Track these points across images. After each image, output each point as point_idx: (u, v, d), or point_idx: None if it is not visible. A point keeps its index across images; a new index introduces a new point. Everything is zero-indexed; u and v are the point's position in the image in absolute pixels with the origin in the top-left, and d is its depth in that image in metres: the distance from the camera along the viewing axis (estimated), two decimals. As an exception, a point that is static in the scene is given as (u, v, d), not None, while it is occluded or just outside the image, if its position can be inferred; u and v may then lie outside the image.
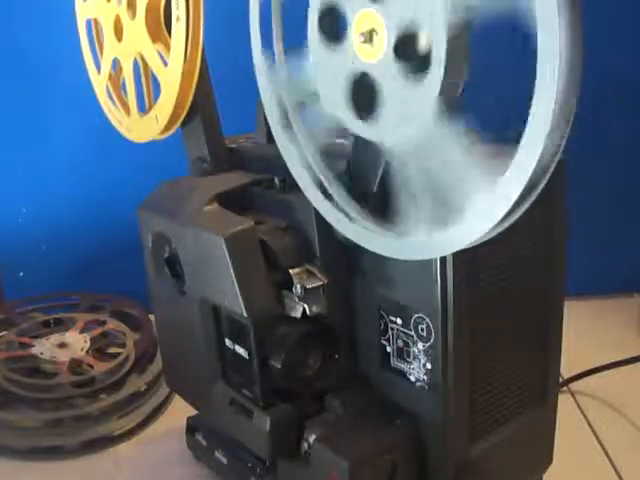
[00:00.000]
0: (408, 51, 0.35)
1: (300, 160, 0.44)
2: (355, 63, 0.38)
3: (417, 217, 0.38)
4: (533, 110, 0.30)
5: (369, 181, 0.44)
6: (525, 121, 0.30)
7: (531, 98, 0.30)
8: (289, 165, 0.45)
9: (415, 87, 0.35)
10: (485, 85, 0.35)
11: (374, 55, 0.37)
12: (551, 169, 0.31)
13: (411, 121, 0.35)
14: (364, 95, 0.38)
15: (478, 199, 0.33)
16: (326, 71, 0.40)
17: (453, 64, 0.33)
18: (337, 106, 0.40)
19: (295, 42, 0.42)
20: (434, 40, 0.33)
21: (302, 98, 0.43)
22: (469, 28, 0.33)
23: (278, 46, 0.44)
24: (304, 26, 0.40)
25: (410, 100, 0.35)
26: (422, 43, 0.34)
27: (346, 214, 0.42)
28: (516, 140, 0.31)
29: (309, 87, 0.42)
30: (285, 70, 0.44)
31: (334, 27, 0.39)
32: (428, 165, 0.36)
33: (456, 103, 0.35)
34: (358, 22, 0.37)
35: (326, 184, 0.43)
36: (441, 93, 0.34)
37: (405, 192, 0.38)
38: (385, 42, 0.36)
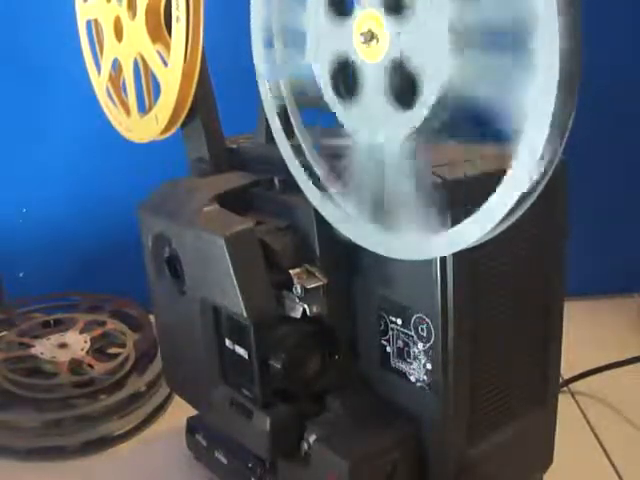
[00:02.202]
0: (398, 79, 0.35)
1: (299, 160, 0.44)
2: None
3: (407, 217, 0.38)
4: (533, 110, 0.30)
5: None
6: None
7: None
8: (289, 165, 0.45)
9: (398, 111, 0.35)
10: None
11: (382, 44, 0.36)
12: (551, 170, 0.31)
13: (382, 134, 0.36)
14: (348, 78, 0.38)
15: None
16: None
17: (438, 109, 0.34)
18: (387, 123, 0.39)
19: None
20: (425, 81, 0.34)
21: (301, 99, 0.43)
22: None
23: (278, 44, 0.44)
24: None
25: (387, 119, 0.36)
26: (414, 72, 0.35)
27: (346, 214, 0.42)
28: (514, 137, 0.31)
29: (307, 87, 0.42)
30: (285, 69, 0.44)
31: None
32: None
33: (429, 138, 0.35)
34: (360, 20, 0.37)
35: (326, 184, 0.43)
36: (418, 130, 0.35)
37: (389, 192, 0.38)
38: (382, 54, 0.36)
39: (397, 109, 0.36)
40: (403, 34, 0.35)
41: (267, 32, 0.44)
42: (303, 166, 0.44)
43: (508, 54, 0.30)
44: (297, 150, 0.44)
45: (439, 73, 0.33)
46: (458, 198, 0.40)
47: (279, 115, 0.45)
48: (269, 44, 0.44)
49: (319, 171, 0.43)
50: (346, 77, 0.39)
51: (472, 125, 0.35)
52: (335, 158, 0.43)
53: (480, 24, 0.32)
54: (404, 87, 0.35)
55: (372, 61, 0.36)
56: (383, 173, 0.39)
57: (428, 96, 0.34)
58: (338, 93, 0.39)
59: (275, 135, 0.45)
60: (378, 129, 0.37)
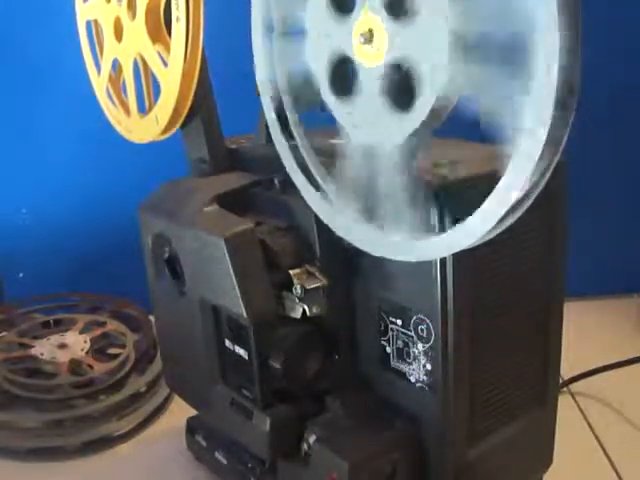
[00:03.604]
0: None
1: (298, 161, 0.44)
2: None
3: (404, 219, 0.38)
4: (532, 110, 0.30)
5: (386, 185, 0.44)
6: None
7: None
8: (287, 166, 0.45)
9: (394, 114, 0.35)
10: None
11: (381, 46, 0.36)
12: (550, 171, 0.31)
13: (379, 135, 0.36)
14: (346, 77, 0.38)
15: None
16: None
17: (438, 110, 0.34)
18: (382, 125, 0.39)
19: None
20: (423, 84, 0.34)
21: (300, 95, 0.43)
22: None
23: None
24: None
25: (383, 121, 0.36)
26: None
27: (342, 215, 0.42)
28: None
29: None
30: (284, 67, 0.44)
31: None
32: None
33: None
34: (356, 32, 0.37)
35: (323, 185, 0.43)
36: (414, 134, 0.35)
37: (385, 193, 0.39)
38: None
39: (394, 111, 0.36)
40: (403, 37, 0.35)
41: (267, 30, 0.44)
42: (300, 166, 0.44)
43: (507, 62, 0.30)
44: (294, 149, 0.44)
45: (438, 77, 0.33)
46: (456, 199, 0.40)
47: (277, 114, 0.45)
48: (269, 44, 0.44)
49: (315, 171, 0.43)
50: (344, 76, 0.39)
51: (470, 125, 0.35)
52: (332, 158, 0.44)
53: (480, 35, 0.32)
54: (402, 90, 0.35)
55: (370, 62, 0.36)
56: (379, 173, 0.39)
57: (426, 100, 0.34)
58: (335, 92, 0.39)
59: (272, 134, 0.45)
60: (374, 130, 0.37)
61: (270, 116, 0.45)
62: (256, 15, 0.44)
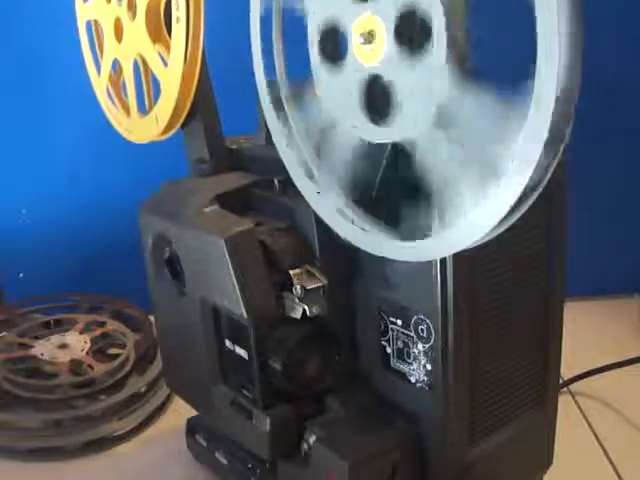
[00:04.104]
0: (408, 33, 0.35)
1: (298, 163, 0.44)
2: (361, 71, 0.37)
3: (404, 218, 0.38)
4: (533, 110, 0.30)
5: (370, 184, 0.44)
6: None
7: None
8: (287, 167, 0.45)
9: (423, 64, 0.34)
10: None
11: (377, 54, 0.36)
12: (551, 171, 0.31)
13: (429, 100, 0.35)
14: (377, 99, 0.38)
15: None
16: (335, 91, 0.40)
17: (454, 28, 0.33)
18: (351, 119, 0.39)
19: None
20: (432, 12, 0.33)
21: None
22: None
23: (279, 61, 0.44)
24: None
25: (422, 80, 0.35)
26: (419, 20, 0.34)
27: (345, 216, 0.42)
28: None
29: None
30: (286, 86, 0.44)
31: (335, 49, 0.39)
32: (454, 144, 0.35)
33: (468, 69, 0.34)
34: (357, 29, 0.37)
35: (324, 187, 0.43)
36: (448, 61, 0.33)
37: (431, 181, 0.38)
38: (385, 34, 0.35)
39: (422, 58, 0.35)
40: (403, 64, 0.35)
41: (267, 28, 0.44)
42: (299, 164, 0.44)
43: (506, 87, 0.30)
44: (293, 148, 0.44)
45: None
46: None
47: (276, 114, 0.45)
48: (268, 43, 0.44)
49: (315, 169, 0.43)
50: (374, 100, 0.38)
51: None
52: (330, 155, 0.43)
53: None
54: (415, 35, 0.35)
55: (382, 50, 0.36)
56: (374, 170, 0.39)
57: (438, 20, 0.33)
58: (374, 120, 0.39)
59: (272, 133, 0.45)
60: (423, 104, 0.36)
61: (272, 122, 0.45)
62: (255, 20, 0.44)
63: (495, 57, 0.34)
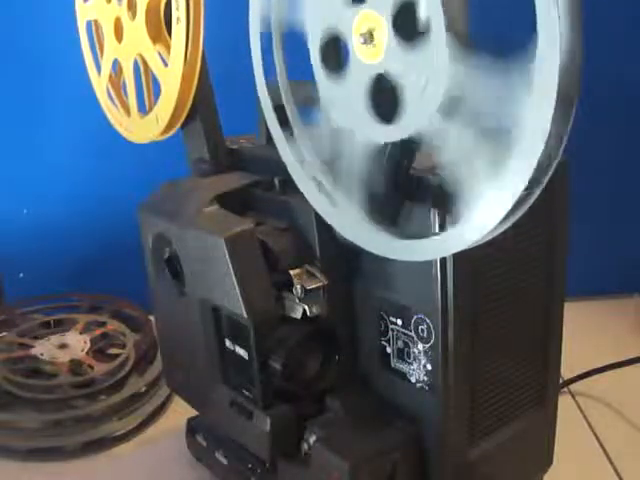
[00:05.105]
0: (407, 23, 0.35)
1: (299, 163, 0.44)
2: (365, 72, 0.37)
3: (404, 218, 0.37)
4: (533, 109, 0.30)
5: (373, 183, 0.44)
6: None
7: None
8: (289, 168, 0.45)
9: (425, 52, 0.34)
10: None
11: (379, 50, 0.36)
12: (551, 171, 0.31)
13: (435, 88, 0.34)
14: (383, 99, 0.37)
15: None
16: (341, 99, 0.39)
17: (452, 12, 0.33)
18: (360, 123, 0.39)
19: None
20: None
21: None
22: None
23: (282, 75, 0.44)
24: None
25: (426, 68, 0.35)
26: (418, 11, 0.34)
27: (346, 216, 0.42)
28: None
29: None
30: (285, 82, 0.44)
31: (337, 57, 0.39)
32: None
33: (469, 50, 0.34)
34: (356, 30, 0.37)
35: (327, 186, 0.43)
36: (449, 45, 0.33)
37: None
38: (384, 29, 0.35)
39: (424, 46, 0.35)
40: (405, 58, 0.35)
41: (266, 28, 0.44)
42: (299, 164, 0.44)
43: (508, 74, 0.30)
44: (294, 148, 0.44)
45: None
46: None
47: (276, 113, 0.45)
48: (268, 43, 0.44)
49: (316, 169, 0.43)
50: (381, 99, 0.38)
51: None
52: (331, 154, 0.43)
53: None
54: (415, 26, 0.34)
55: (383, 47, 0.36)
56: (373, 170, 0.39)
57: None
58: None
59: (272, 134, 0.45)
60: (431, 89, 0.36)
61: (272, 123, 0.45)
62: (254, 20, 0.44)
63: (493, 27, 0.33)
